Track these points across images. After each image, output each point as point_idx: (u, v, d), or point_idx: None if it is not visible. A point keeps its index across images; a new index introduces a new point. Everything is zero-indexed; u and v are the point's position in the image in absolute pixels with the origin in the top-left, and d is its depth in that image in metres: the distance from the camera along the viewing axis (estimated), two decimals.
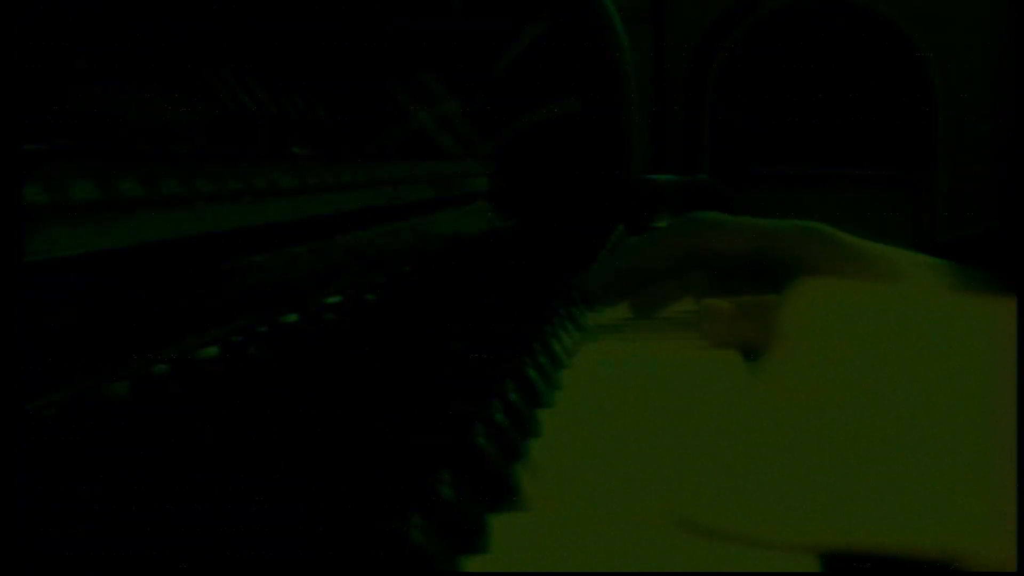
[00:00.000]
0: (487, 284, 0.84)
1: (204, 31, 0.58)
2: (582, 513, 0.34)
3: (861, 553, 0.31)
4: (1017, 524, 0.31)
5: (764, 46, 2.74)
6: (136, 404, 0.42)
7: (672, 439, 0.42)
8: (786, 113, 2.75)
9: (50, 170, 0.39)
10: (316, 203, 0.66)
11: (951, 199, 2.70)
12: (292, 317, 0.59)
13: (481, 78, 1.24)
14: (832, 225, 0.63)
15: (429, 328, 0.62)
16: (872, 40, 2.72)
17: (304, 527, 0.28)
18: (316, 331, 0.59)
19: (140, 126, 0.48)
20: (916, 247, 0.63)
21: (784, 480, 0.32)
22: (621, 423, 0.46)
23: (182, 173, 0.49)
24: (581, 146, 1.33)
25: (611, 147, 1.36)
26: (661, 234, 0.69)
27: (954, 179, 2.72)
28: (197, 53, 0.56)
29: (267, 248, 0.59)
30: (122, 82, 0.48)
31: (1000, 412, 0.30)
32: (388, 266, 0.78)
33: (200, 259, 0.51)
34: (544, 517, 0.34)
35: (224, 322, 0.51)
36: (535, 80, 1.30)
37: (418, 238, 0.89)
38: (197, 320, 0.49)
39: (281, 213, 0.61)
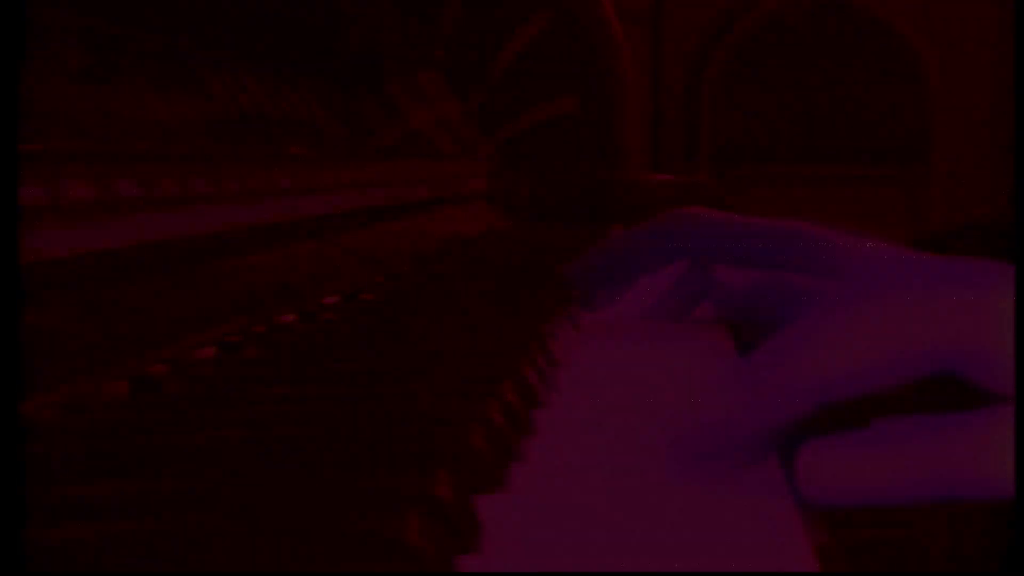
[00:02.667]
0: (484, 284, 0.84)
1: (203, 31, 0.58)
2: (578, 513, 0.35)
3: None
4: (1016, 518, 0.31)
5: (761, 46, 2.74)
6: (135, 404, 0.42)
7: (665, 439, 0.42)
8: (783, 112, 2.75)
9: (49, 170, 0.39)
10: (314, 203, 0.66)
11: (947, 197, 2.70)
12: (290, 317, 0.59)
13: (479, 79, 1.25)
14: (831, 223, 0.63)
15: (426, 328, 0.62)
16: (869, 39, 2.73)
17: (301, 527, 0.28)
18: (314, 331, 0.59)
19: (139, 126, 0.48)
20: (911, 243, 0.63)
21: None
22: (617, 423, 0.46)
23: (180, 173, 0.49)
24: (578, 146, 1.33)
25: (608, 147, 1.36)
26: (646, 227, 0.69)
27: (950, 177, 2.72)
28: (196, 53, 0.56)
29: (265, 248, 0.59)
30: (121, 82, 0.48)
31: None
32: (386, 266, 0.78)
33: (198, 259, 0.51)
34: (540, 517, 0.34)
35: (222, 322, 0.52)
36: (533, 81, 1.31)
37: (416, 238, 0.89)
38: (195, 320, 0.50)
39: (279, 213, 0.61)
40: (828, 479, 0.34)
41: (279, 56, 0.68)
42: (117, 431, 0.39)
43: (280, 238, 0.61)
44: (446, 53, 1.13)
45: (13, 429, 0.28)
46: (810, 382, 0.35)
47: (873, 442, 0.34)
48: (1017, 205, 2.45)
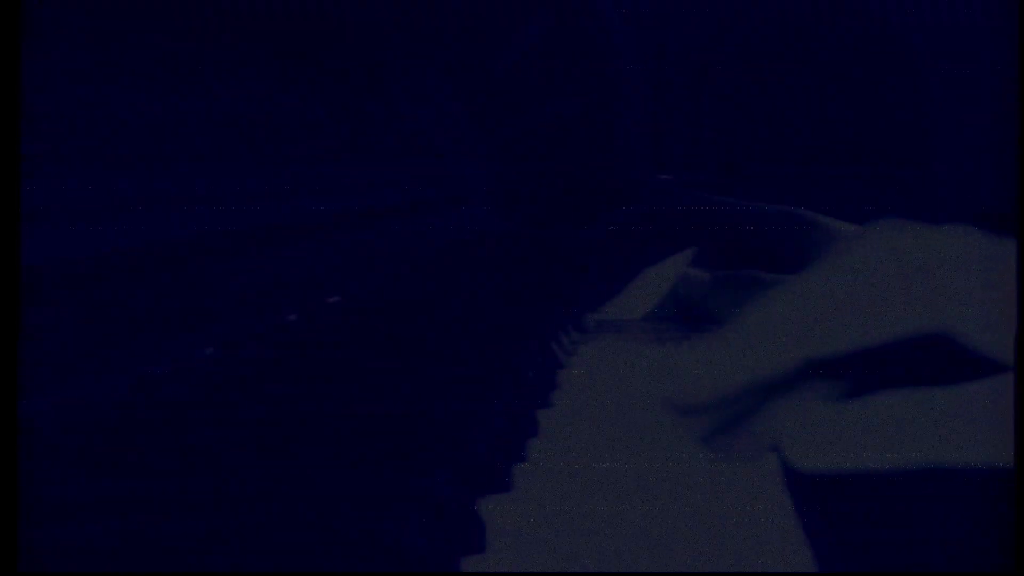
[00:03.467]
0: (486, 284, 0.84)
1: (204, 31, 0.58)
2: (581, 513, 0.34)
3: None
4: (1016, 525, 0.31)
5: (763, 45, 2.75)
6: (136, 404, 0.42)
7: (667, 438, 0.42)
8: (785, 112, 2.75)
9: (50, 170, 0.39)
10: (315, 203, 0.66)
11: (949, 198, 2.70)
12: (292, 317, 0.59)
13: (482, 78, 1.25)
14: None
15: (429, 328, 0.62)
16: (871, 39, 2.73)
17: (301, 527, 0.28)
18: (316, 331, 0.59)
19: (140, 126, 0.48)
20: None
21: None
22: (620, 423, 0.46)
23: (182, 173, 0.49)
24: (581, 146, 1.33)
25: (611, 147, 1.36)
26: (650, 219, 0.70)
27: (952, 178, 2.72)
28: (197, 53, 0.56)
29: (266, 248, 0.59)
30: (122, 82, 0.48)
31: None
32: (387, 266, 0.78)
33: (200, 259, 0.51)
34: (544, 517, 0.34)
35: (224, 322, 0.52)
36: (536, 80, 1.31)
37: (417, 238, 0.89)
38: (197, 319, 0.50)
39: (280, 213, 0.61)
40: (817, 444, 0.33)
41: (281, 56, 0.68)
42: (117, 431, 0.38)
43: (282, 238, 0.61)
44: (448, 53, 1.13)
45: (13, 429, 0.28)
46: (798, 333, 0.34)
47: (864, 409, 0.33)
48: (1017, 205, 2.45)
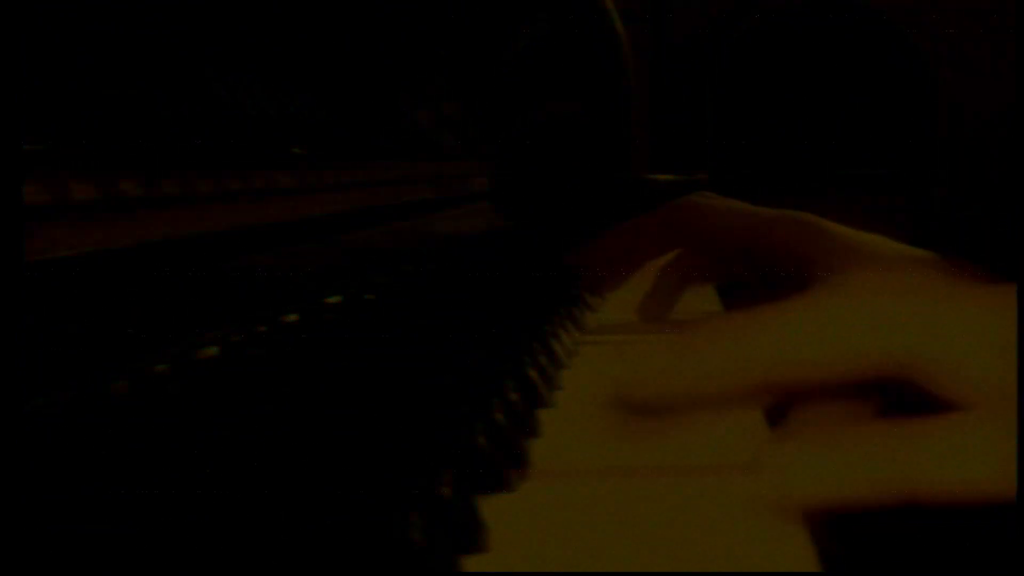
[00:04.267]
0: (487, 284, 0.84)
1: (205, 31, 0.58)
2: (581, 514, 0.34)
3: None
4: (1016, 509, 0.31)
5: (765, 45, 2.74)
6: (136, 404, 0.42)
7: (670, 439, 0.42)
8: (787, 113, 2.75)
9: (50, 170, 0.39)
10: (316, 203, 0.66)
11: (951, 200, 2.70)
12: (292, 317, 0.59)
13: (482, 78, 1.25)
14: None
15: (429, 328, 0.62)
16: (873, 40, 2.73)
17: (304, 527, 0.28)
18: (316, 331, 0.59)
19: (140, 126, 0.48)
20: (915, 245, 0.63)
21: None
22: (621, 423, 0.46)
23: (182, 173, 0.49)
24: (581, 146, 1.33)
25: (611, 147, 1.36)
26: (652, 215, 0.70)
27: (954, 180, 2.72)
28: (197, 53, 0.56)
29: (267, 248, 0.59)
30: (122, 82, 0.48)
31: None
32: (388, 266, 0.78)
33: (200, 259, 0.51)
34: (544, 517, 0.34)
35: (224, 322, 0.51)
36: (536, 80, 1.31)
37: (418, 238, 0.89)
38: (197, 320, 0.49)
39: (281, 213, 0.61)
40: (794, 485, 0.34)
41: (281, 55, 0.68)
42: (118, 431, 0.38)
43: (283, 238, 0.61)
44: (450, 52, 1.13)
45: (13, 429, 0.28)
46: (765, 360, 0.35)
47: (837, 447, 0.33)
48: (1017, 207, 2.45)
